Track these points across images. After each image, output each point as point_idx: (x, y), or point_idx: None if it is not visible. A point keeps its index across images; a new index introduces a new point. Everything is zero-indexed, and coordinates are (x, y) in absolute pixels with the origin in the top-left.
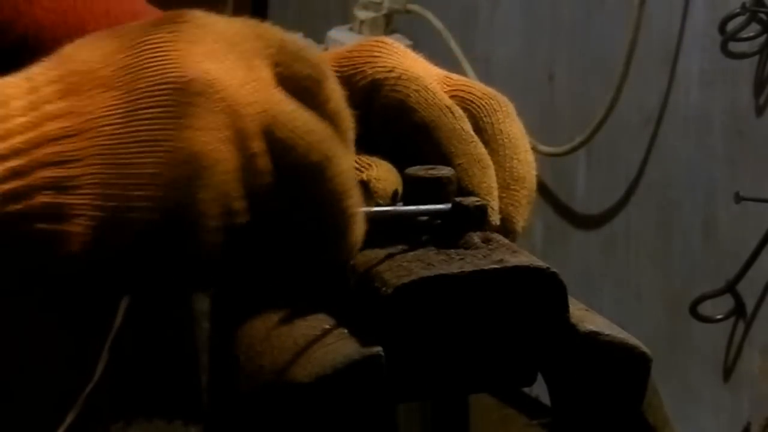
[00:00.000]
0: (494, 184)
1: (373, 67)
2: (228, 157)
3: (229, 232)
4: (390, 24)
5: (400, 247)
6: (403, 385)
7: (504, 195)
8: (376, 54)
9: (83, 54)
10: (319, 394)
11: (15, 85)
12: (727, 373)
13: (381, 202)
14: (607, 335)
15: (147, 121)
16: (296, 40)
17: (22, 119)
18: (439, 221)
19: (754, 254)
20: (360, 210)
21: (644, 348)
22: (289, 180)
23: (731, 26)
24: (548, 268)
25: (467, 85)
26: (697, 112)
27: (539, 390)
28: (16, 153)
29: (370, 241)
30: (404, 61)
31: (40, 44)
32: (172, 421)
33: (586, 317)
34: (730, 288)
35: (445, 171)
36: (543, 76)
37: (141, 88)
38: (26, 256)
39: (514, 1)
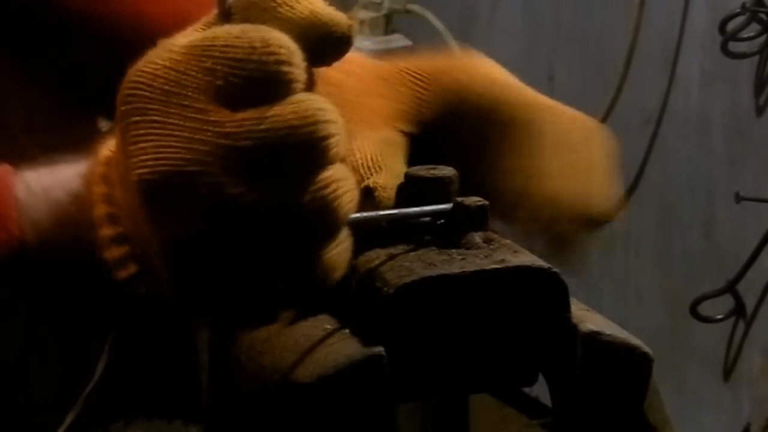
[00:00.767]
0: None
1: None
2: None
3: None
4: (390, 24)
5: (401, 247)
6: (405, 384)
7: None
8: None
9: None
10: (321, 394)
11: None
12: (727, 372)
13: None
14: (609, 335)
15: None
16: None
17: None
18: (441, 221)
19: (754, 254)
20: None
21: (646, 348)
22: None
23: (731, 26)
24: (550, 267)
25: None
26: (697, 113)
27: (539, 390)
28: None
29: (372, 242)
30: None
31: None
32: (172, 421)
33: (587, 317)
34: (730, 288)
35: (446, 171)
36: (543, 77)
37: None
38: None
39: (514, 1)
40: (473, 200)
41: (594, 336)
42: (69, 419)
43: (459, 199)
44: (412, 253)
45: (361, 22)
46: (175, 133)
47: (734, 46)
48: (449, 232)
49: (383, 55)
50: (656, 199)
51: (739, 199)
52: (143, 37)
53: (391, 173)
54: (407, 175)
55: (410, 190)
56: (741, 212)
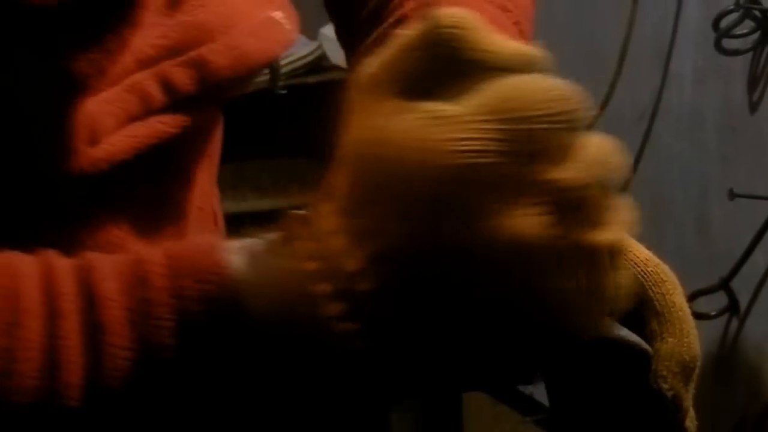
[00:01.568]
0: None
1: None
2: None
3: None
4: None
5: None
6: (401, 382)
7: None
8: None
9: None
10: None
11: None
12: (722, 369)
13: None
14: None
15: None
16: None
17: None
18: None
19: (747, 251)
20: None
21: (644, 345)
22: None
23: (725, 23)
24: None
25: (632, 252)
26: (690, 109)
27: (533, 387)
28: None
29: None
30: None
31: None
32: None
33: None
34: (724, 284)
35: None
36: None
37: None
38: None
39: None
40: None
41: None
42: None
43: None
44: None
45: None
46: None
47: (728, 43)
48: None
49: None
50: (649, 196)
51: (732, 195)
52: None
53: None
54: None
55: None
56: (734, 209)
